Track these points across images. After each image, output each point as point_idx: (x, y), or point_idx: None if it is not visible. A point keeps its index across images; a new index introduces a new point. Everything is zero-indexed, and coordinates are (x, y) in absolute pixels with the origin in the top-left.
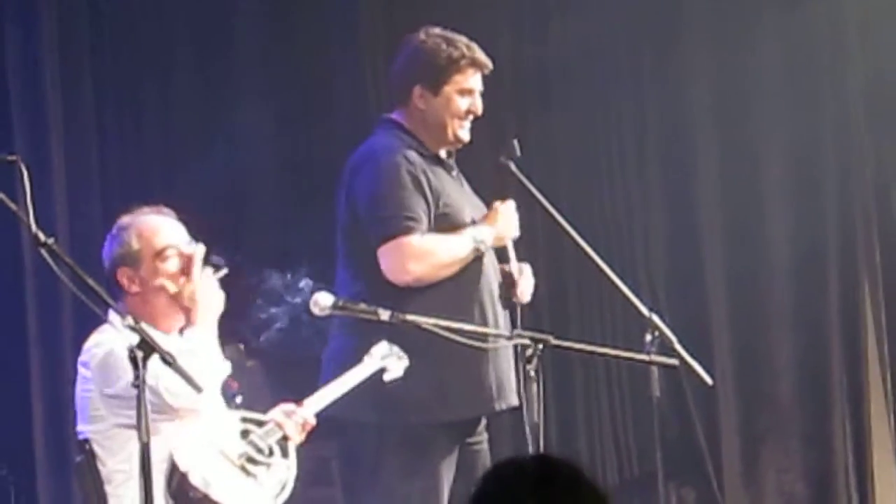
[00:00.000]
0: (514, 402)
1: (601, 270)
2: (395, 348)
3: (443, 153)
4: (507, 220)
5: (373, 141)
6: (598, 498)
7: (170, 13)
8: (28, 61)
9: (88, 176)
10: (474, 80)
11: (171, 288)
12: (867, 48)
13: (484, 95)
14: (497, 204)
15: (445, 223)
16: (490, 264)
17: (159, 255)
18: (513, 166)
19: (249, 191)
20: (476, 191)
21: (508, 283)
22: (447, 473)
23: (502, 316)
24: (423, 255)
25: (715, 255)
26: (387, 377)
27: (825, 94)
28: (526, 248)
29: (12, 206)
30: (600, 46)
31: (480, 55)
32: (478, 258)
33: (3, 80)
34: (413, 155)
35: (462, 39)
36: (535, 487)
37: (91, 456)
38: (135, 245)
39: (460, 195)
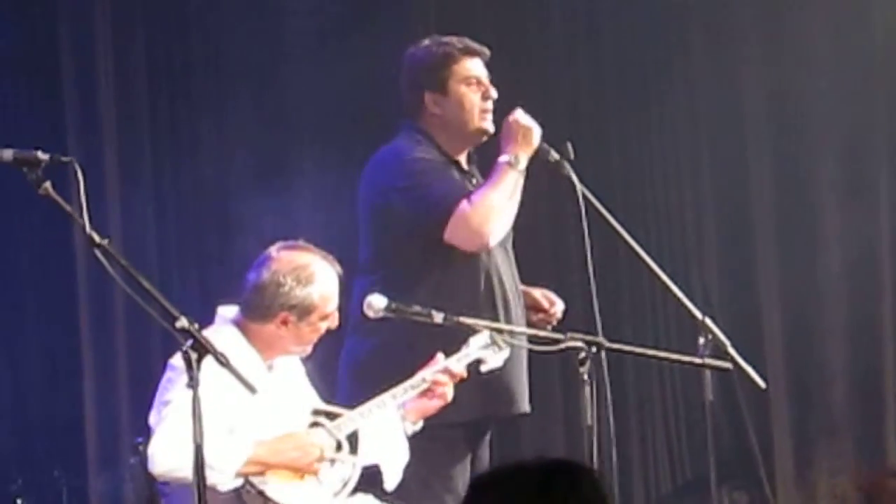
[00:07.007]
0: (526, 408)
1: (654, 273)
2: (498, 339)
3: (462, 159)
4: (521, 131)
5: (394, 143)
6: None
7: (226, 11)
8: (82, 63)
9: (142, 177)
10: (475, 67)
11: (314, 338)
12: None
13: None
14: (508, 119)
15: None
16: (504, 262)
17: (326, 317)
18: (567, 168)
19: (298, 186)
20: (527, 192)
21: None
22: (462, 474)
23: (521, 315)
24: (484, 212)
25: (768, 258)
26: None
27: (878, 92)
28: (578, 250)
29: (67, 207)
30: (653, 48)
31: (471, 43)
32: (488, 261)
33: (58, 82)
34: (433, 152)
35: (451, 38)
36: (540, 489)
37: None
38: (313, 302)
39: None
